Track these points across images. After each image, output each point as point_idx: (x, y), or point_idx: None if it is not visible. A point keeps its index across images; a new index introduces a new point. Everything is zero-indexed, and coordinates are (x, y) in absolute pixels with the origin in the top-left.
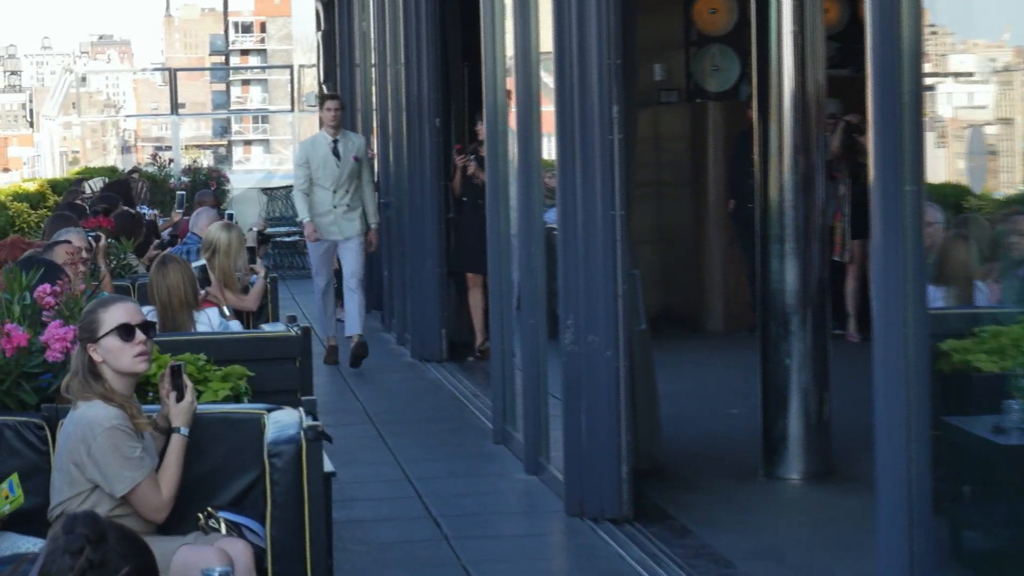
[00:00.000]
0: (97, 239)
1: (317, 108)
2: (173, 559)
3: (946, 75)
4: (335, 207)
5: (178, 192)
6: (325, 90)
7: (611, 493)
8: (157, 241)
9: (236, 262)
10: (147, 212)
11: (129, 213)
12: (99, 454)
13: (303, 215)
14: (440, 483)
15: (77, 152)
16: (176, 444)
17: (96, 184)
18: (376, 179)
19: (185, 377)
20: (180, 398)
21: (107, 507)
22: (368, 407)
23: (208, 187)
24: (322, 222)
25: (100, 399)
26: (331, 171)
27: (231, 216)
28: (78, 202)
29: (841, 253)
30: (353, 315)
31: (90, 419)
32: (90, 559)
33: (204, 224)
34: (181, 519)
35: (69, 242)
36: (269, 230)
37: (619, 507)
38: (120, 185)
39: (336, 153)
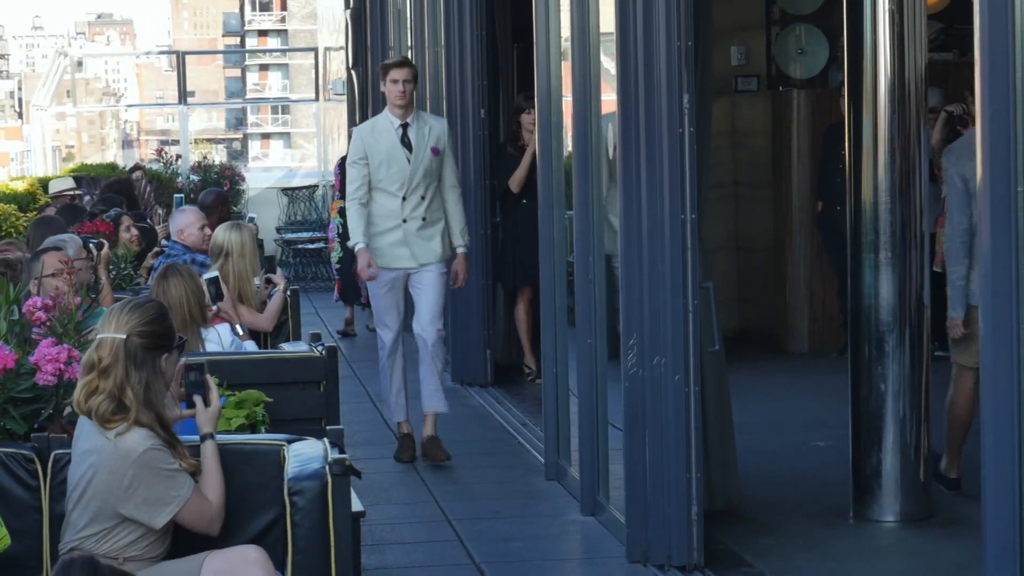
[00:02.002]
0: (100, 247)
1: (381, 80)
2: (203, 570)
3: None
4: (405, 221)
5: (176, 195)
6: (354, 75)
7: (679, 537)
8: (156, 249)
9: (254, 265)
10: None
11: (144, 229)
12: (137, 484)
13: (356, 237)
14: (484, 525)
15: (72, 147)
16: (211, 450)
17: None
18: None
19: (208, 377)
20: (207, 403)
21: (128, 540)
22: None
23: (220, 186)
24: (385, 244)
25: (134, 424)
26: (399, 169)
27: (252, 219)
28: (76, 204)
29: (943, 263)
30: (430, 382)
31: (119, 449)
32: None
33: (180, 228)
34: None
35: (58, 249)
36: (289, 235)
37: (688, 553)
38: (120, 185)
39: (406, 143)
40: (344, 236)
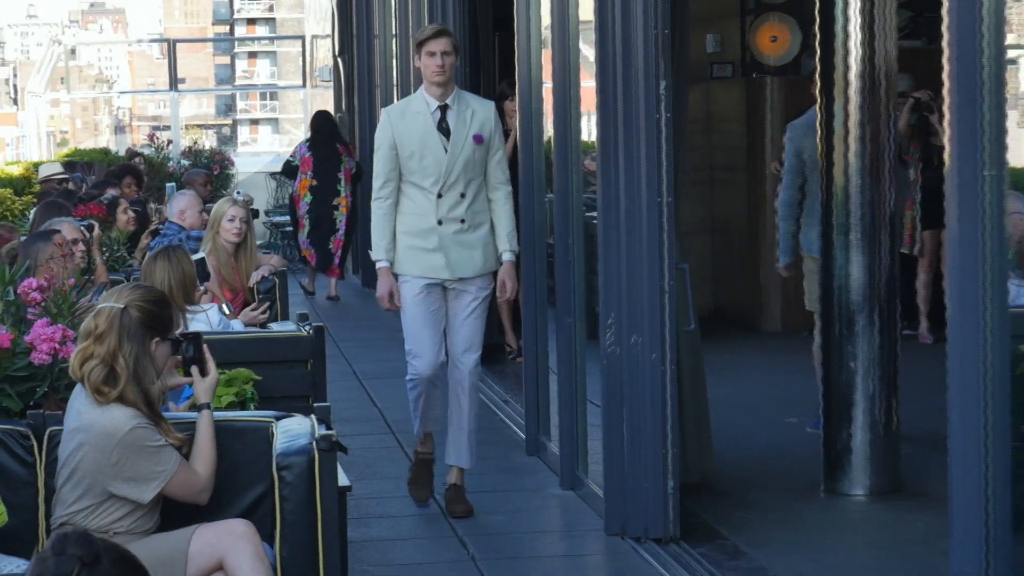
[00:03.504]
0: (90, 228)
1: (415, 56)
2: (192, 542)
3: None
4: (440, 223)
5: (168, 185)
6: (340, 63)
7: (656, 510)
8: (152, 228)
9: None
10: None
11: (117, 199)
12: (123, 462)
13: (378, 252)
14: (467, 498)
15: (66, 132)
16: (205, 420)
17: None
18: None
19: (205, 348)
20: (203, 372)
21: (118, 515)
22: (387, 415)
23: (203, 168)
24: (416, 248)
25: (117, 402)
26: (434, 160)
27: (240, 194)
28: (71, 187)
29: (912, 245)
30: (459, 430)
31: (105, 427)
32: None
33: (180, 209)
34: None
35: (58, 231)
36: (277, 219)
37: (664, 526)
38: (129, 168)
39: (443, 129)
40: (312, 211)
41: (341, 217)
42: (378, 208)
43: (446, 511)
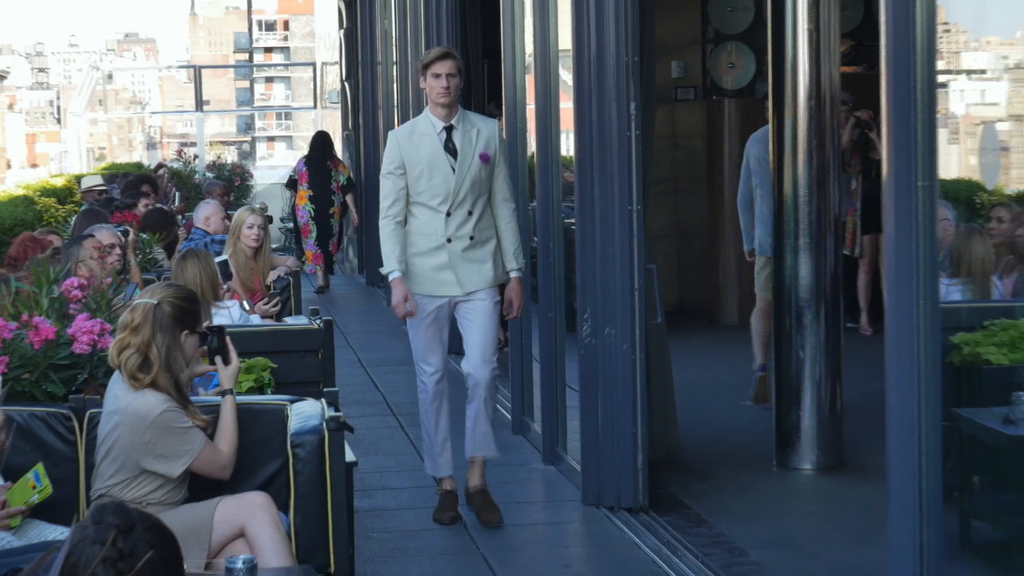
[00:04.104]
0: (125, 234)
1: (420, 78)
2: (216, 513)
3: (959, 72)
4: (449, 240)
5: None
6: (347, 87)
7: (627, 483)
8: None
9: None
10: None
11: (160, 210)
12: (154, 441)
13: (390, 265)
14: (459, 472)
15: (103, 148)
16: (228, 405)
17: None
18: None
19: (228, 340)
20: (226, 361)
21: (150, 488)
22: (389, 398)
23: (232, 182)
24: (426, 268)
25: (150, 387)
26: (442, 179)
27: (260, 203)
28: (104, 196)
29: (853, 247)
30: (479, 425)
31: (139, 410)
32: (119, 548)
33: (205, 217)
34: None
35: (93, 236)
36: (291, 224)
37: (635, 496)
38: (145, 178)
39: (450, 148)
40: (316, 218)
41: (336, 223)
42: (386, 226)
43: (478, 519)
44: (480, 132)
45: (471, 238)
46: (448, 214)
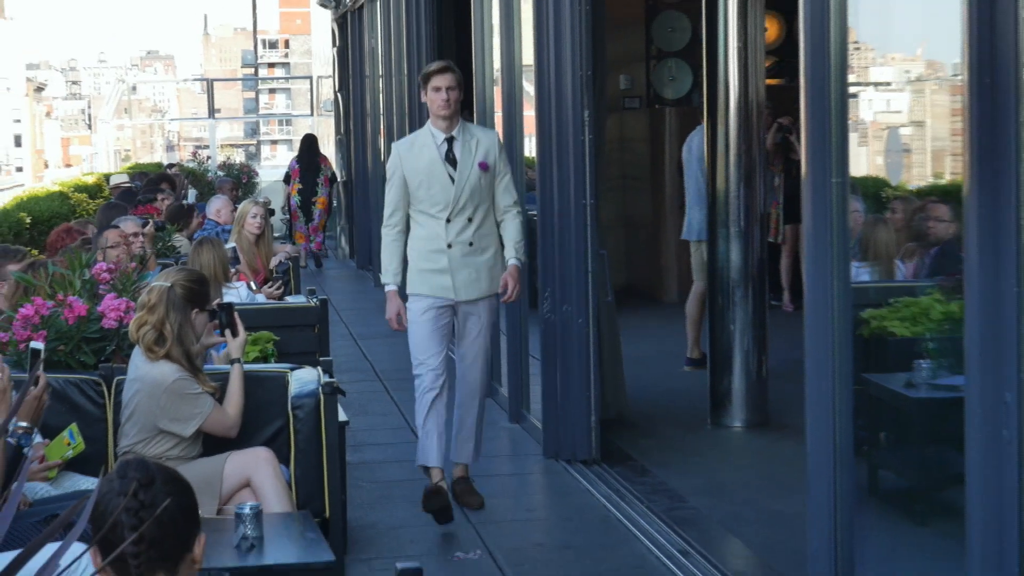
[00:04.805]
0: (145, 224)
1: (421, 91)
2: (225, 466)
3: (868, 84)
4: (450, 246)
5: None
6: (339, 97)
7: (582, 439)
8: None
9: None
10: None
11: (180, 205)
12: (168, 405)
13: (386, 277)
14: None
15: (128, 150)
16: (236, 372)
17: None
18: (385, 174)
19: (236, 314)
20: (235, 334)
21: (168, 445)
22: (377, 366)
23: (240, 180)
24: (425, 268)
25: (164, 359)
26: (441, 188)
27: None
28: (130, 191)
29: (776, 236)
30: (463, 429)
31: (155, 378)
32: (140, 500)
33: (215, 209)
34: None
35: (117, 227)
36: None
37: (588, 451)
38: (164, 177)
39: (450, 159)
40: (303, 206)
41: (317, 211)
42: (387, 235)
43: (459, 503)
44: (480, 142)
45: (470, 244)
46: (448, 220)
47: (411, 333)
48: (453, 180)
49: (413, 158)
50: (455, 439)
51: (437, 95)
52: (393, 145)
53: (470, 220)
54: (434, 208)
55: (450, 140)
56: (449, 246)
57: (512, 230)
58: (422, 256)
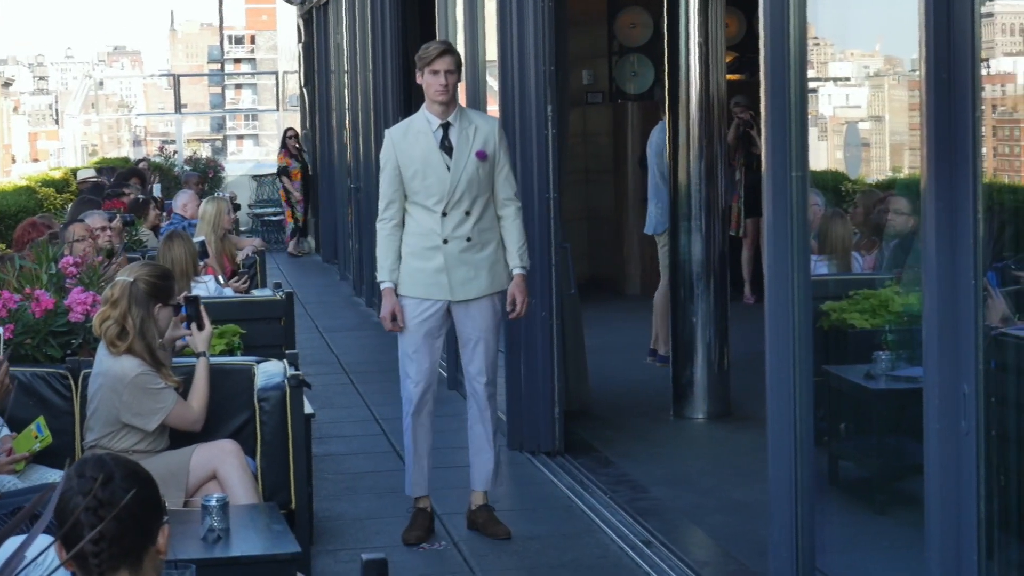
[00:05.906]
0: (112, 219)
1: (417, 74)
2: (192, 458)
3: (827, 79)
4: (446, 242)
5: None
6: (305, 92)
7: (546, 430)
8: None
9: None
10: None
11: (138, 198)
12: (131, 400)
13: (382, 274)
14: (401, 423)
15: (96, 145)
16: (202, 366)
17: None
18: (350, 168)
19: (202, 307)
20: (200, 327)
21: (134, 439)
22: (342, 359)
23: (207, 174)
24: (419, 270)
25: (127, 353)
26: (437, 179)
27: (224, 193)
28: (98, 185)
29: (737, 229)
30: (480, 453)
31: (117, 373)
32: (99, 498)
33: (182, 203)
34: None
35: (82, 221)
36: (257, 211)
37: (552, 442)
38: (136, 172)
39: (446, 147)
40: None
41: (295, 183)
42: (382, 229)
43: (485, 534)
44: (478, 129)
45: (468, 239)
46: (444, 214)
47: (401, 338)
48: (449, 169)
49: (407, 145)
50: (471, 464)
51: (435, 78)
52: (386, 132)
53: (467, 213)
54: (429, 200)
55: (446, 126)
56: (445, 242)
57: (513, 232)
58: (415, 253)
